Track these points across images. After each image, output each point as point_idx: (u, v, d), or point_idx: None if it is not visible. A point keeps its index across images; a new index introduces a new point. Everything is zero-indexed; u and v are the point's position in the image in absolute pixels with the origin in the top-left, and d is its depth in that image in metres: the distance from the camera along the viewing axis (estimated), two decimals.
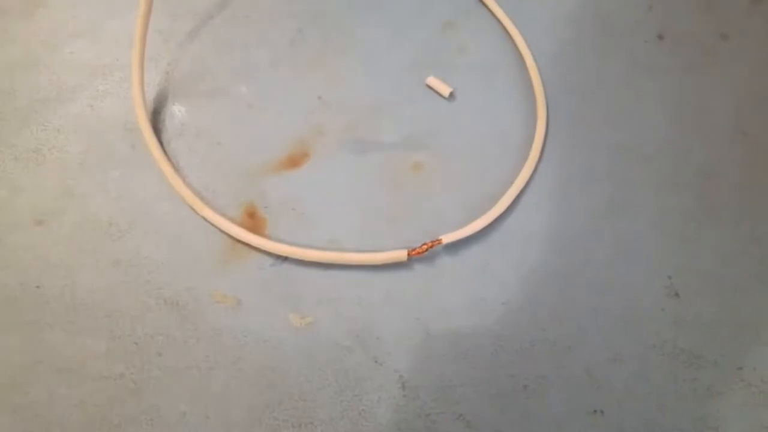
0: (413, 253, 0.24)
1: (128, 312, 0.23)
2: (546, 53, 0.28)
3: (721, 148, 0.27)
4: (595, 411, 0.22)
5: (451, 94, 0.27)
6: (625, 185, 0.26)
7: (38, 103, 0.26)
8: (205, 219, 0.24)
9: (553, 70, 0.28)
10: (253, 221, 0.25)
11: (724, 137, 0.27)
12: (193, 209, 0.24)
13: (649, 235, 0.25)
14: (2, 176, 0.25)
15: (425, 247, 0.24)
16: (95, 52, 0.27)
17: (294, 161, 0.26)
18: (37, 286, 0.23)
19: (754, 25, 0.29)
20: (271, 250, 0.24)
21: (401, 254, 0.24)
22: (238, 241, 0.24)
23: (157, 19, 0.25)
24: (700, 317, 0.24)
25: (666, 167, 0.27)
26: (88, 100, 0.26)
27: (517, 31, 0.28)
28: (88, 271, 0.23)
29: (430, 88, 0.27)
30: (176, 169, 0.25)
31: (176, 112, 0.26)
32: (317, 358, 0.23)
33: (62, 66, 0.26)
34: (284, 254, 0.24)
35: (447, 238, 0.24)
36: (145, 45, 0.25)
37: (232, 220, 0.24)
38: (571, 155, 0.27)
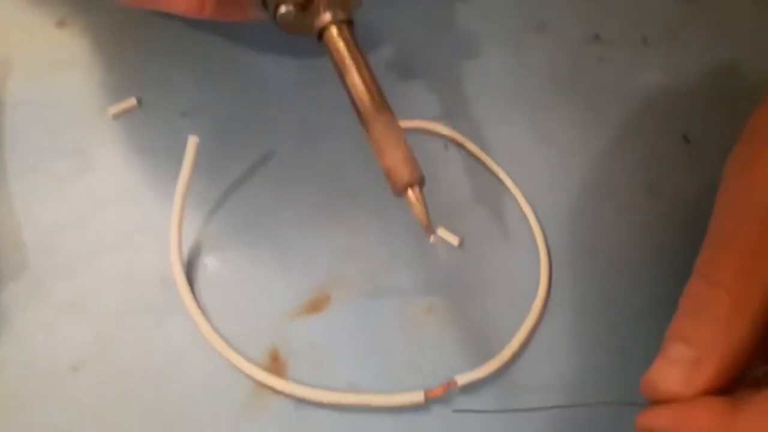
0: (430, 394, 0.25)
1: None
2: (547, 211, 0.31)
3: None
4: None
5: (460, 244, 0.29)
6: (625, 339, 0.28)
7: (80, 260, 0.28)
8: (230, 363, 0.26)
9: (555, 226, 0.30)
10: (276, 365, 0.26)
11: None
12: (220, 354, 0.26)
13: None
14: (42, 325, 0.26)
15: (441, 388, 0.25)
16: (137, 212, 0.29)
17: (315, 307, 0.28)
18: None
19: None
20: (290, 393, 0.25)
21: (418, 396, 0.25)
22: (262, 384, 0.25)
23: (194, 181, 0.28)
24: None
25: (662, 323, 0.28)
26: (127, 254, 0.28)
27: (519, 191, 0.31)
28: (119, 418, 0.24)
29: (441, 238, 0.30)
30: (207, 317, 0.27)
31: (209, 264, 0.28)
32: None
33: (105, 224, 0.29)
34: (302, 397, 0.25)
35: (462, 380, 0.25)
36: (184, 205, 0.27)
37: (257, 365, 0.26)
38: (573, 305, 0.29)
